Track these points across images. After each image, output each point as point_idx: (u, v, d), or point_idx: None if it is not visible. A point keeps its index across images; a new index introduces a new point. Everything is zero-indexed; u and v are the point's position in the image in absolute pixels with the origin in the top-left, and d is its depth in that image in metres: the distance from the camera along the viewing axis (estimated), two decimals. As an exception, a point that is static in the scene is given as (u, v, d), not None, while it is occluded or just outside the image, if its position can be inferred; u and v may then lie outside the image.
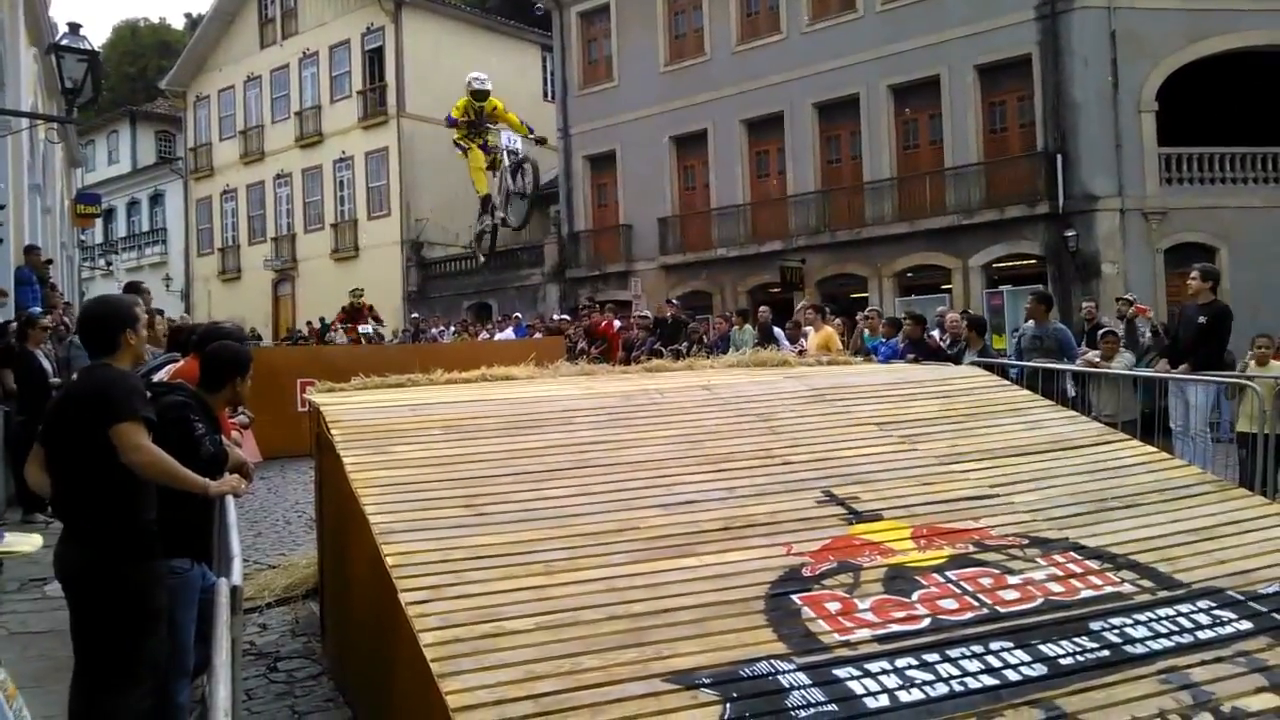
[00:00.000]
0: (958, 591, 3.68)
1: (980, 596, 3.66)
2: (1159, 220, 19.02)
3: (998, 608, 3.59)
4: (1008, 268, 20.32)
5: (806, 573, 3.73)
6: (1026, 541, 4.14)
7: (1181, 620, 3.58)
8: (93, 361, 3.80)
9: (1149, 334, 10.55)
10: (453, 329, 23.18)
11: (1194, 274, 8.54)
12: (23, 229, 14.28)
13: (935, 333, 11.51)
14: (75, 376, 3.86)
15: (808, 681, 3.06)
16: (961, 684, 3.11)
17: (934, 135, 21.25)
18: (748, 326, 14.80)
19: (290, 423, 11.25)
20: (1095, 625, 3.51)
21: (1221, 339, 8.49)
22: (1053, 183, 19.14)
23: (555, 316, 21.36)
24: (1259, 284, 17.18)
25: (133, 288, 9.11)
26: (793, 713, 2.92)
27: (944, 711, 2.98)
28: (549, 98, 30.94)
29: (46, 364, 9.26)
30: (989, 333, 10.05)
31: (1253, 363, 8.74)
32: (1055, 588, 3.76)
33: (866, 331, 12.41)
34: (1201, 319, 8.22)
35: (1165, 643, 3.42)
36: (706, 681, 3.01)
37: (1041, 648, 3.34)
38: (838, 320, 14.59)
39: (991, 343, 9.85)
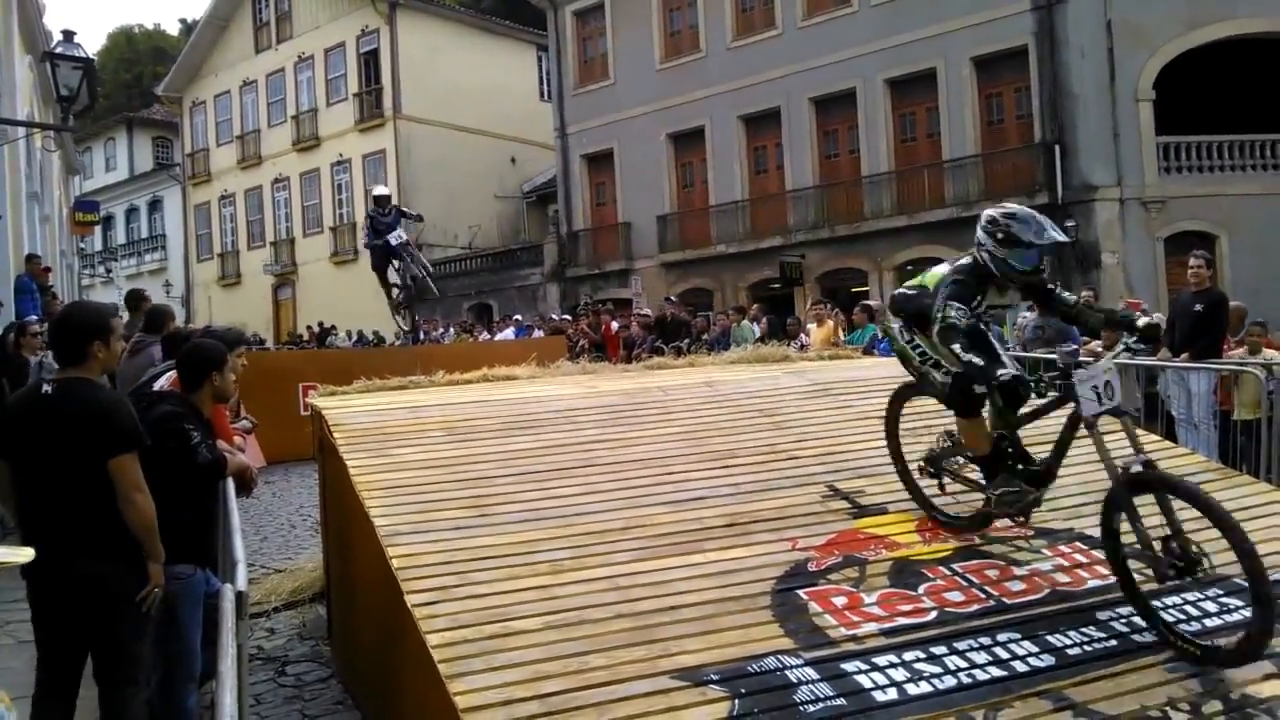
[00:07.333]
0: (964, 584, 3.68)
1: (986, 588, 3.65)
2: (1158, 209, 18.98)
3: (1004, 599, 3.59)
4: (1008, 259, 20.23)
5: (812, 567, 3.73)
6: (1032, 532, 4.13)
7: (1189, 609, 3.58)
8: (62, 371, 3.71)
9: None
10: (452, 330, 23.14)
11: (1197, 262, 8.47)
12: (21, 238, 14.26)
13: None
14: (50, 389, 3.65)
15: (815, 676, 3.06)
16: (970, 676, 3.12)
17: (931, 128, 21.20)
18: (746, 322, 14.73)
19: (293, 427, 11.19)
20: (1102, 615, 3.51)
21: (1220, 326, 8.44)
22: (1051, 173, 19.09)
23: (554, 316, 21.33)
24: (1259, 271, 17.14)
25: (134, 296, 9.08)
26: (801, 708, 2.92)
27: (953, 704, 2.98)
28: (545, 97, 30.93)
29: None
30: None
31: (1243, 350, 8.62)
32: (1062, 578, 3.76)
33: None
34: (1198, 306, 8.17)
35: (1173, 631, 3.42)
36: (714, 678, 3.01)
37: (1049, 638, 3.34)
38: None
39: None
